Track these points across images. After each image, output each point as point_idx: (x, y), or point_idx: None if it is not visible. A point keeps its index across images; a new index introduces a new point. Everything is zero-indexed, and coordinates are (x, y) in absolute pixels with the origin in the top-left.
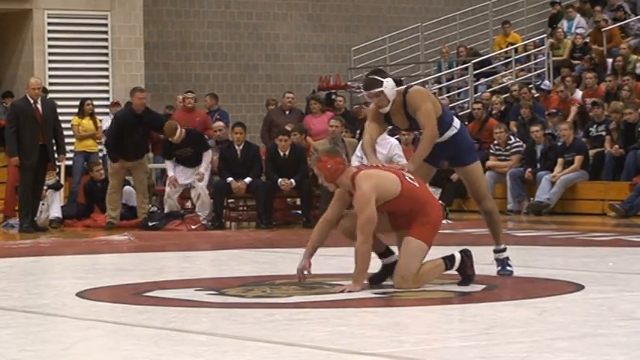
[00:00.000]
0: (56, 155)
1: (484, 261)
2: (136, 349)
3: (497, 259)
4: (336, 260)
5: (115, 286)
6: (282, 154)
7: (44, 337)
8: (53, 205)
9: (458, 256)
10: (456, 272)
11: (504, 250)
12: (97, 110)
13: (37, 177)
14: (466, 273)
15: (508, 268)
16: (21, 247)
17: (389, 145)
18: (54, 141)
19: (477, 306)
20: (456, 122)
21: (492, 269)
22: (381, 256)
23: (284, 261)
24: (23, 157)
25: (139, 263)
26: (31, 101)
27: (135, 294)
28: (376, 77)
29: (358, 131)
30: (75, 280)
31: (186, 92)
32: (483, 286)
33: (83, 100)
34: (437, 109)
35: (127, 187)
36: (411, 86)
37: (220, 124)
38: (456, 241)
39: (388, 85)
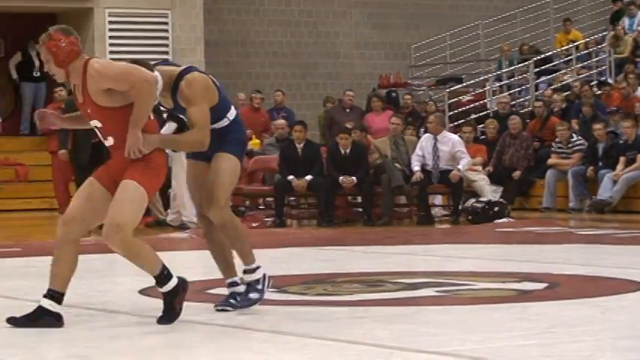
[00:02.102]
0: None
1: (545, 260)
2: (199, 347)
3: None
4: (396, 258)
5: None
6: (342, 151)
7: (108, 333)
8: None
9: (175, 281)
10: (165, 293)
11: (236, 285)
12: None
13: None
14: (172, 304)
15: (231, 300)
16: (85, 244)
17: (451, 141)
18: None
19: (539, 304)
20: (232, 113)
21: (553, 267)
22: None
23: (345, 259)
24: (78, 154)
25: (201, 261)
26: None
27: (197, 291)
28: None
29: (422, 129)
30: (138, 278)
31: (254, 92)
32: (545, 285)
33: None
34: (213, 98)
35: None
36: (191, 70)
37: (282, 122)
38: (517, 239)
39: None
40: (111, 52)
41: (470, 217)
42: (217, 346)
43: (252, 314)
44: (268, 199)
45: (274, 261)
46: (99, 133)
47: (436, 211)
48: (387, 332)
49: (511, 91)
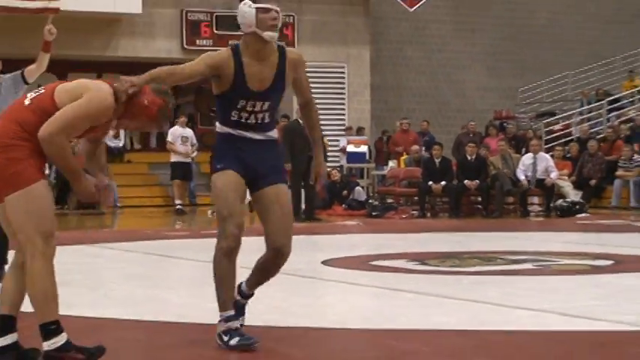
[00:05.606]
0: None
1: (612, 243)
2: (361, 303)
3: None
4: (505, 241)
5: (349, 257)
6: (469, 157)
7: (297, 292)
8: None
9: (64, 337)
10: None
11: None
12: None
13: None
14: None
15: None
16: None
17: (545, 159)
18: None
19: (608, 276)
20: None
21: (619, 249)
22: None
23: (469, 241)
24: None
25: (366, 241)
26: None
27: (363, 263)
28: None
29: (524, 149)
30: (321, 253)
31: (402, 119)
32: (613, 262)
33: None
34: None
35: (357, 188)
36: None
37: (416, 147)
38: (593, 228)
39: None
40: None
41: (558, 213)
42: (375, 302)
43: (401, 279)
44: (414, 198)
45: (418, 241)
46: None
47: (534, 208)
48: (497, 294)
49: (589, 122)
